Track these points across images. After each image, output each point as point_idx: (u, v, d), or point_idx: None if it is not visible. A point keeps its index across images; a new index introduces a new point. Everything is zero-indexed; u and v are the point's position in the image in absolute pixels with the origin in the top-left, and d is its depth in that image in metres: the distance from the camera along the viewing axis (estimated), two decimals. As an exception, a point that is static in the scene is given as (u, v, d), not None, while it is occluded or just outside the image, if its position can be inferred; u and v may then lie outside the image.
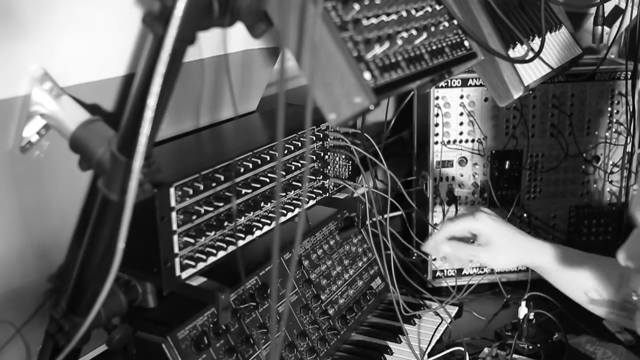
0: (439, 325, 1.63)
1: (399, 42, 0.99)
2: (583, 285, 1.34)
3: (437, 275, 1.92)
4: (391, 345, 1.55)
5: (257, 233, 1.30)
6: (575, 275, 1.36)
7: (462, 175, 1.88)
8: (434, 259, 1.90)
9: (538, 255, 1.37)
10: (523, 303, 1.63)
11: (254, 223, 1.29)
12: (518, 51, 1.36)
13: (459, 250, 1.38)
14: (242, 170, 1.26)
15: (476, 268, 1.93)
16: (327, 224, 1.67)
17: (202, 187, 1.16)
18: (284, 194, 1.39)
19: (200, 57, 1.31)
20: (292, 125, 1.40)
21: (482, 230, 1.37)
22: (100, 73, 1.13)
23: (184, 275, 1.16)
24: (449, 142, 1.85)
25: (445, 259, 1.45)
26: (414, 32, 1.04)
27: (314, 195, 1.51)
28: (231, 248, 1.23)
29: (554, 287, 1.44)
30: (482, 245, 1.37)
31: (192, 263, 1.16)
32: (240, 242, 1.26)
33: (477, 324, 1.75)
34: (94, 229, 0.99)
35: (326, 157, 1.54)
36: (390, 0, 1.02)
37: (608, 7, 1.98)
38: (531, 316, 1.62)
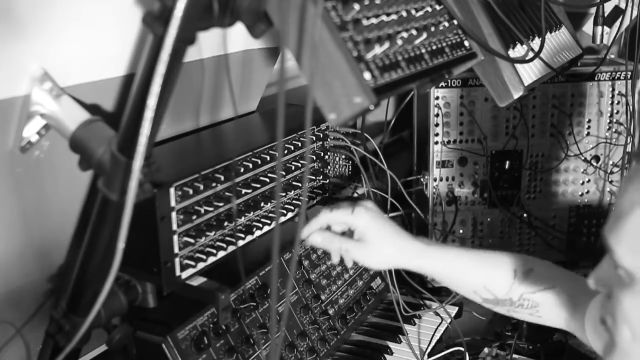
0: (439, 325, 1.63)
1: (399, 42, 0.99)
2: (471, 285, 1.29)
3: (437, 275, 1.92)
4: (391, 345, 1.55)
5: (257, 233, 1.30)
6: (460, 276, 1.30)
7: (462, 175, 1.88)
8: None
9: (415, 259, 1.29)
10: (523, 303, 1.63)
11: (254, 223, 1.29)
12: (518, 51, 1.36)
13: (330, 243, 1.29)
14: (242, 170, 1.25)
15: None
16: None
17: (202, 187, 1.15)
18: (284, 194, 1.39)
19: (200, 57, 1.31)
20: (292, 125, 1.40)
21: (358, 226, 1.28)
22: (100, 73, 1.12)
23: (184, 275, 1.16)
24: (449, 142, 1.85)
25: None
26: (414, 32, 1.04)
27: (314, 195, 1.51)
28: (231, 248, 1.23)
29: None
30: (357, 241, 1.28)
31: (192, 263, 1.16)
32: (240, 242, 1.26)
33: (477, 324, 1.75)
34: (94, 229, 0.99)
35: (326, 157, 1.54)
36: (390, 0, 1.02)
37: (608, 7, 1.98)
38: (531, 316, 1.62)
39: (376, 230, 1.27)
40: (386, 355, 1.51)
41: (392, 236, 1.28)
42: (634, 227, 0.81)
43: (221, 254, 1.21)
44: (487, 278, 1.28)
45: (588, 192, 1.96)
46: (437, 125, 1.83)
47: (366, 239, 1.27)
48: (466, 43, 1.19)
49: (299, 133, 1.41)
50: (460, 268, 1.29)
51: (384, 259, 1.29)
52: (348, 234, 1.30)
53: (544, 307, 1.24)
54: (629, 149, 1.93)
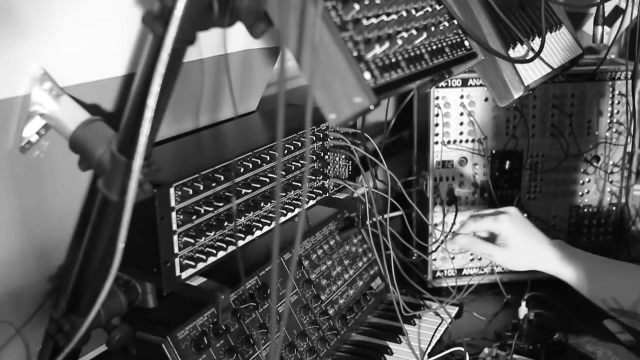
0: (439, 326, 1.63)
1: (399, 42, 0.99)
2: (600, 293, 1.35)
3: (437, 275, 1.92)
4: (391, 345, 1.55)
5: (257, 233, 1.30)
6: (591, 286, 1.37)
7: (462, 175, 1.88)
8: (434, 260, 1.91)
9: (551, 266, 1.41)
10: (523, 303, 1.64)
11: (254, 223, 1.29)
12: (518, 51, 1.36)
13: (474, 247, 1.49)
14: (242, 170, 1.26)
15: (476, 268, 1.94)
16: (327, 224, 1.67)
17: (202, 187, 1.15)
18: (284, 194, 1.39)
19: (200, 57, 1.31)
20: (292, 125, 1.40)
21: (500, 232, 1.45)
22: (100, 73, 1.13)
23: (184, 275, 1.16)
24: (449, 142, 1.85)
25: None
26: (414, 32, 1.04)
27: (314, 195, 1.51)
28: (231, 248, 1.23)
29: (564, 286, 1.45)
30: (499, 246, 1.46)
31: (192, 263, 1.16)
32: (240, 242, 1.26)
33: (477, 324, 1.75)
34: (94, 229, 0.99)
35: (326, 157, 1.54)
36: (390, 0, 1.02)
37: (608, 7, 1.98)
38: (531, 316, 1.62)
39: (516, 238, 1.43)
40: (386, 356, 1.51)
41: (531, 244, 1.43)
42: None
43: (221, 254, 1.21)
44: (616, 289, 1.34)
45: (588, 192, 1.96)
46: (437, 125, 1.83)
47: (507, 245, 1.44)
48: (466, 43, 1.19)
49: (299, 133, 1.41)
50: (591, 278, 1.36)
51: (522, 264, 1.46)
52: (491, 238, 1.47)
53: None
54: (629, 149, 1.93)
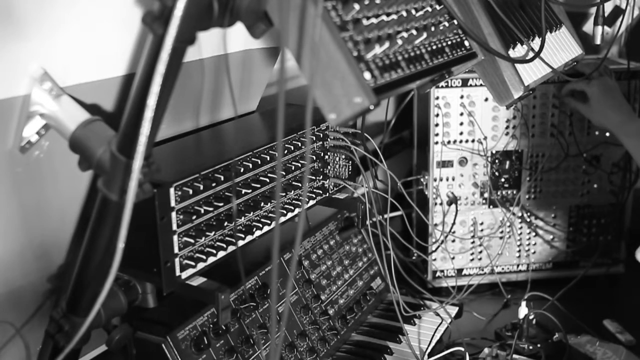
0: (439, 326, 1.63)
1: (399, 42, 0.99)
2: None
3: (437, 275, 1.92)
4: (391, 345, 1.55)
5: (257, 233, 1.30)
6: None
7: (462, 175, 1.88)
8: (434, 260, 1.91)
9: (615, 131, 1.72)
10: (523, 303, 1.64)
11: (254, 223, 1.29)
12: (518, 51, 1.36)
13: (570, 102, 1.82)
14: (242, 170, 1.26)
15: (476, 268, 1.94)
16: (327, 224, 1.67)
17: (202, 187, 1.16)
18: (284, 194, 1.39)
19: (200, 57, 1.31)
20: (292, 125, 1.40)
21: (588, 93, 1.75)
22: (100, 73, 1.13)
23: (184, 275, 1.16)
24: (449, 142, 1.85)
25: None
26: (414, 32, 1.04)
27: (314, 195, 1.51)
28: (231, 248, 1.23)
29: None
30: (585, 103, 1.76)
31: (192, 263, 1.16)
32: (240, 242, 1.26)
33: (477, 324, 1.75)
34: (93, 229, 0.99)
35: (326, 157, 1.54)
36: (390, 0, 1.02)
37: (608, 7, 1.98)
38: (531, 316, 1.62)
39: (598, 101, 1.73)
40: (386, 356, 1.51)
41: (607, 109, 1.73)
42: None
43: (221, 254, 1.21)
44: None
45: (588, 192, 1.96)
46: (437, 125, 1.83)
47: (591, 103, 1.75)
48: (466, 43, 1.19)
49: (299, 133, 1.41)
50: None
51: (597, 121, 1.77)
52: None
53: None
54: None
